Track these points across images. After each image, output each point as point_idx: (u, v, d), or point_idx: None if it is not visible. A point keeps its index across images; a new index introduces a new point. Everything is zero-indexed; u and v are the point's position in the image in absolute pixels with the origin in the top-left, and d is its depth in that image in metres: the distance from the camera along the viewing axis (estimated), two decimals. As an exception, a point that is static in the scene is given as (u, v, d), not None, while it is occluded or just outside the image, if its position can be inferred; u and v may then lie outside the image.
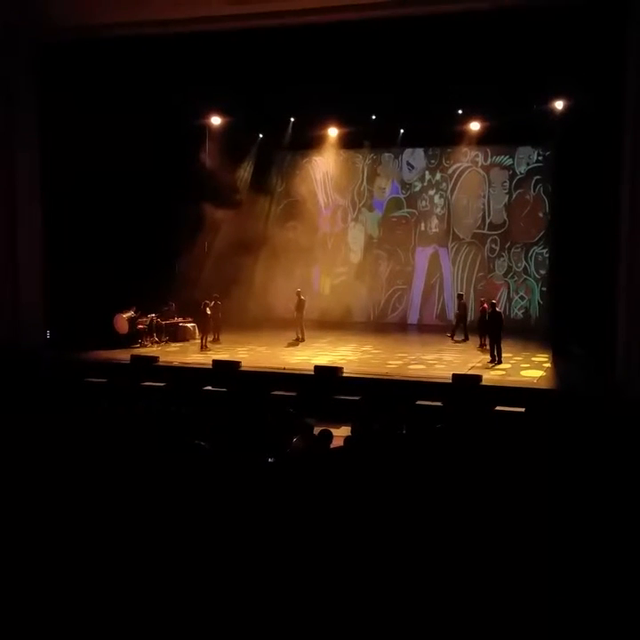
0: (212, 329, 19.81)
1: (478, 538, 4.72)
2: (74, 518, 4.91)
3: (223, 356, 17.48)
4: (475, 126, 21.60)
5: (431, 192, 24.00)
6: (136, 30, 16.49)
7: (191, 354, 18.49)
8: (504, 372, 15.62)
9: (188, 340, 20.40)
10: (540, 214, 22.66)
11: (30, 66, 17.40)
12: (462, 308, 20.34)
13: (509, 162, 23.10)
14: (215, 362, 16.28)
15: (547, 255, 22.34)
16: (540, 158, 22.64)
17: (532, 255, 22.81)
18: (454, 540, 4.70)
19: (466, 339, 19.60)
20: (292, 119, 22.94)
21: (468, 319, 20.34)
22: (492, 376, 15.08)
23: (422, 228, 24.11)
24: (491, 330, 16.93)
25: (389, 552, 4.62)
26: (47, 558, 4.58)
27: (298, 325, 20.22)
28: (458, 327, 19.99)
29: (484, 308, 18.36)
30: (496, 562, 4.48)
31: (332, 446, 7.39)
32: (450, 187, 23.77)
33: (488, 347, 17.20)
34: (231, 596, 4.27)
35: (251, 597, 4.24)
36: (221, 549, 4.59)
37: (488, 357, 16.72)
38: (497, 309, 17.53)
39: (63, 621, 4.14)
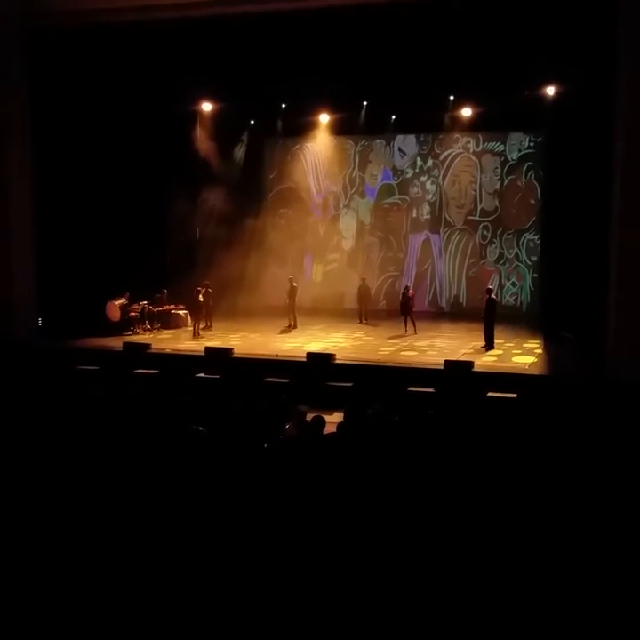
0: (204, 316, 19.81)
1: (472, 523, 4.77)
2: (72, 504, 4.93)
3: (215, 342, 17.47)
4: (466, 112, 21.54)
5: (423, 178, 23.97)
6: (127, 16, 16.37)
7: (183, 341, 18.48)
8: (496, 358, 15.67)
9: (180, 328, 20.37)
10: (532, 201, 22.68)
11: (20, 52, 17.25)
12: (407, 298, 19.59)
13: (501, 148, 23.08)
14: (207, 349, 16.27)
15: (538, 241, 22.40)
16: (532, 145, 22.63)
17: (523, 241, 22.84)
18: (447, 526, 4.74)
19: (414, 331, 19.06)
20: (284, 105, 22.84)
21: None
22: (484, 362, 15.12)
23: (414, 215, 24.09)
24: (484, 315, 16.94)
25: (382, 538, 4.66)
26: (47, 549, 4.60)
27: (290, 312, 20.22)
28: (406, 319, 19.39)
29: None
30: (490, 547, 4.53)
31: (324, 432, 7.42)
32: (441, 173, 23.74)
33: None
34: (229, 579, 4.31)
35: (248, 580, 4.28)
36: (218, 534, 4.62)
37: (480, 343, 16.74)
38: (492, 296, 17.53)
39: (63, 616, 4.17)
